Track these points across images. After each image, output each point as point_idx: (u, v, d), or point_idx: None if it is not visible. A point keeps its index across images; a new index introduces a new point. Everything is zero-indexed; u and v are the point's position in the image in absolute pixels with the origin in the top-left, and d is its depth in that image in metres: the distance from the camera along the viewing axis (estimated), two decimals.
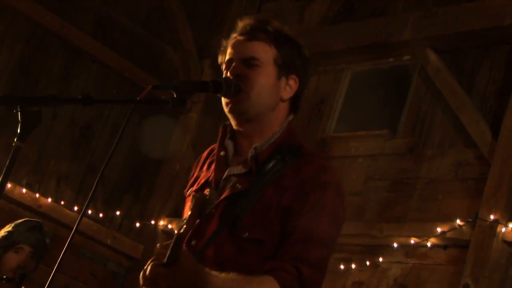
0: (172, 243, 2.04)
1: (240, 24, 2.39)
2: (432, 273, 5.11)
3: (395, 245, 5.22)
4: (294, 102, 2.41)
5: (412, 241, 5.15)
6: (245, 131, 2.36)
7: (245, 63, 2.33)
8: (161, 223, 6.70)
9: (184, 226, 2.04)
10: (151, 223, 6.73)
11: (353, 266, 5.40)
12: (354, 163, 5.79)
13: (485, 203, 4.86)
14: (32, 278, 4.33)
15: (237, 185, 2.27)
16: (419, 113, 5.66)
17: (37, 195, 6.22)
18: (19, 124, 2.00)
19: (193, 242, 2.23)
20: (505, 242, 4.74)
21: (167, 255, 2.04)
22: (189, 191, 2.43)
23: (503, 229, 4.73)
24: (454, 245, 5.02)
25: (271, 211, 2.21)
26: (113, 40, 6.74)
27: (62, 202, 6.38)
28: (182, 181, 6.87)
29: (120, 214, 6.71)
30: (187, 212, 2.28)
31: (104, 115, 6.72)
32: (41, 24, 6.33)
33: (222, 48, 2.42)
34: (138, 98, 2.21)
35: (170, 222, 6.63)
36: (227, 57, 2.38)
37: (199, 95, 6.77)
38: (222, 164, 2.35)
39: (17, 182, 6.13)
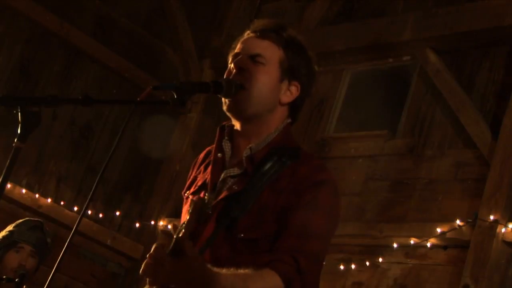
0: (171, 246, 2.03)
1: (256, 23, 2.40)
2: (432, 274, 5.11)
3: (395, 245, 5.22)
4: (294, 109, 2.41)
5: (412, 242, 5.15)
6: (243, 131, 2.36)
7: (251, 59, 2.34)
8: (161, 223, 6.70)
9: (183, 230, 2.03)
10: (151, 223, 6.73)
11: (353, 266, 5.40)
12: (354, 164, 5.78)
13: (485, 204, 4.86)
14: (33, 278, 4.34)
15: (234, 186, 2.27)
16: (419, 113, 5.66)
17: (37, 195, 6.22)
18: (19, 125, 2.00)
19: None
20: (505, 242, 4.74)
21: (170, 247, 2.03)
22: (187, 193, 2.43)
23: (503, 230, 4.73)
24: (454, 245, 5.02)
25: (267, 212, 2.22)
26: (113, 40, 6.74)
27: (62, 203, 6.38)
28: (182, 182, 6.82)
29: (120, 214, 6.71)
30: (185, 214, 2.28)
31: (104, 116, 6.72)
32: (41, 24, 6.34)
33: (233, 46, 2.42)
34: (138, 99, 2.21)
35: (170, 223, 6.63)
36: (235, 51, 2.39)
37: (199, 96, 6.77)
38: (219, 166, 2.35)
39: (17, 183, 6.13)
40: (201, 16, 7.24)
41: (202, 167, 2.45)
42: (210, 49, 7.07)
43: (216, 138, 2.41)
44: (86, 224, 6.33)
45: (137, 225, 6.74)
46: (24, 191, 6.13)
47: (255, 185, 2.25)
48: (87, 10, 6.64)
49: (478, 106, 5.33)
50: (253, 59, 2.34)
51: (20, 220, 4.43)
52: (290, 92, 2.38)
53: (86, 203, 2.26)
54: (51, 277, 2.20)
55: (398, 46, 5.84)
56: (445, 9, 5.59)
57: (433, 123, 5.55)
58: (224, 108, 2.35)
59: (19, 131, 1.99)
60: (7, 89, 6.14)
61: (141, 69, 6.82)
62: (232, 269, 2.11)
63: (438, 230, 5.00)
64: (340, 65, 6.23)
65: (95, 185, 2.26)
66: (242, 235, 2.20)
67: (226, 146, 2.38)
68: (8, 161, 1.98)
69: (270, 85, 2.33)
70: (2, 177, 1.97)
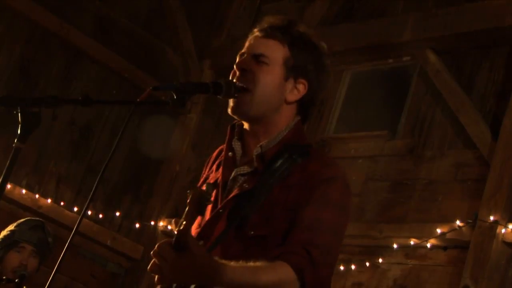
0: (174, 239, 2.02)
1: (264, 21, 2.39)
2: (431, 274, 5.11)
3: (395, 246, 5.22)
4: (303, 107, 2.39)
5: (412, 242, 5.15)
6: (252, 130, 2.36)
7: (254, 59, 2.33)
8: (161, 223, 6.70)
9: (184, 222, 2.00)
10: (151, 223, 6.73)
11: (353, 267, 5.40)
12: (354, 164, 5.78)
13: (485, 204, 4.86)
14: (33, 279, 4.33)
15: (245, 184, 2.27)
16: (418, 114, 5.66)
17: (37, 196, 6.22)
18: (19, 125, 2.00)
19: (200, 242, 2.22)
20: (505, 243, 4.74)
21: (172, 242, 2.01)
22: None
23: (503, 230, 4.73)
24: (454, 246, 5.02)
25: (277, 209, 2.21)
26: (112, 41, 6.74)
27: (62, 203, 6.38)
28: (182, 182, 6.88)
29: (120, 214, 6.71)
30: None
31: (104, 116, 6.72)
32: (41, 24, 6.34)
33: (243, 44, 2.42)
34: (138, 100, 2.20)
35: (170, 223, 6.63)
36: (242, 50, 2.39)
37: (198, 96, 6.77)
38: (229, 164, 2.36)
39: (17, 183, 6.13)
40: (201, 16, 7.24)
41: (214, 166, 2.45)
42: (210, 49, 7.08)
43: (227, 137, 2.41)
44: (86, 225, 6.33)
45: (137, 225, 6.75)
46: (24, 191, 6.13)
47: (265, 182, 2.24)
48: (87, 11, 6.64)
49: (478, 106, 5.33)
50: (257, 59, 2.33)
51: (21, 220, 4.43)
52: (297, 90, 2.36)
53: (86, 203, 2.26)
54: (52, 278, 2.19)
55: (398, 46, 5.84)
56: (445, 10, 5.59)
57: (433, 123, 5.55)
58: (229, 110, 2.34)
59: (19, 132, 1.99)
60: (7, 90, 6.15)
61: (141, 70, 6.82)
62: (241, 261, 2.09)
63: (438, 230, 5.00)
64: (340, 65, 6.23)
65: (95, 185, 2.26)
66: (252, 232, 2.19)
67: (236, 145, 2.38)
68: (8, 161, 1.98)
69: (274, 85, 2.32)
70: (2, 177, 1.97)
